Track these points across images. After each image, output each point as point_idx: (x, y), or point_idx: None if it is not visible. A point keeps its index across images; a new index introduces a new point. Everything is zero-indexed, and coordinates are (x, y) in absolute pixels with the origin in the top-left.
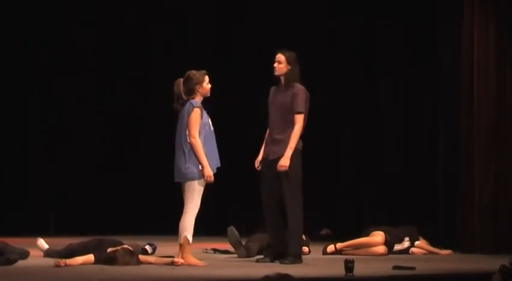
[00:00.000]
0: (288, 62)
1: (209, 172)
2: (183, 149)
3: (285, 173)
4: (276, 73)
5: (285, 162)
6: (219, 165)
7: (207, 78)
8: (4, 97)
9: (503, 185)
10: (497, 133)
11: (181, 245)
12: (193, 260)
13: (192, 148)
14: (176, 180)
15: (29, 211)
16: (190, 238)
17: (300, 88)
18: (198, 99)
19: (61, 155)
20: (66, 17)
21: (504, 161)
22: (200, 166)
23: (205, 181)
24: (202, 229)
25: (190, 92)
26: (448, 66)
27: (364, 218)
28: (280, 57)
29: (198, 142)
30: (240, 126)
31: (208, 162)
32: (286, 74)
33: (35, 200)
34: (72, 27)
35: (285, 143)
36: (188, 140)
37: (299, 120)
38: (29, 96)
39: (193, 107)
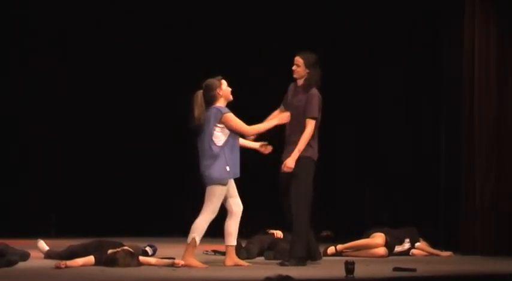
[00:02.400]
0: (307, 65)
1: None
2: (208, 154)
3: (294, 176)
4: (295, 76)
5: (290, 163)
6: (238, 175)
7: (224, 82)
8: (3, 97)
9: (504, 187)
10: (499, 134)
11: (187, 245)
12: (193, 262)
13: (257, 133)
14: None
15: (29, 212)
16: (198, 240)
17: (314, 94)
18: (222, 105)
19: (62, 156)
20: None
21: (506, 163)
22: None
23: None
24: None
25: (213, 99)
26: (449, 66)
27: (365, 220)
28: (298, 60)
29: (252, 128)
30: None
31: (230, 168)
32: (305, 78)
33: (36, 201)
34: (74, 25)
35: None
36: (220, 144)
37: (310, 124)
38: (29, 96)
39: (222, 113)
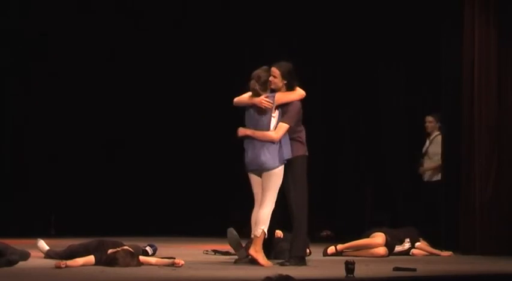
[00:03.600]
0: (283, 75)
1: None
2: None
3: (291, 176)
4: (273, 87)
5: (241, 130)
6: (290, 156)
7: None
8: (3, 97)
9: (504, 186)
10: (498, 134)
11: (255, 238)
12: (262, 258)
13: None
14: (255, 169)
15: (29, 212)
16: (266, 231)
17: (295, 103)
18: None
19: (62, 156)
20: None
21: (505, 162)
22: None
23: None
24: (202, 230)
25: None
26: (449, 67)
27: (365, 220)
28: (275, 71)
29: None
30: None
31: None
32: (282, 88)
33: (36, 201)
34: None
35: (293, 143)
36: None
37: (282, 129)
38: (28, 96)
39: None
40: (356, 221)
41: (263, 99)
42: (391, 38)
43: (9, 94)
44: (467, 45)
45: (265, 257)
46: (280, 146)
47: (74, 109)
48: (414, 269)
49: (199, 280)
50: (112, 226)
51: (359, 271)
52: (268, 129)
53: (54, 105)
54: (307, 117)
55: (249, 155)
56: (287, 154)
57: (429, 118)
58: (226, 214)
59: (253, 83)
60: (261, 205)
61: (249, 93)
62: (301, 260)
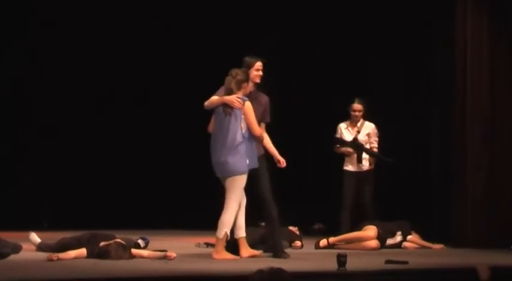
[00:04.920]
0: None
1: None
2: (230, 145)
3: (260, 176)
4: (258, 81)
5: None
6: (256, 167)
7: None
8: None
9: (496, 179)
10: (491, 127)
11: (217, 240)
12: (227, 255)
13: (258, 140)
14: (224, 175)
15: (21, 205)
16: (228, 233)
17: (267, 99)
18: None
19: (54, 149)
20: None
21: (497, 155)
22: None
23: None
24: (194, 222)
25: (237, 88)
26: (441, 60)
27: (358, 213)
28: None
29: (261, 131)
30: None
31: (248, 161)
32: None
33: (28, 194)
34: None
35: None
36: (245, 135)
37: (263, 129)
38: (21, 90)
39: (244, 101)
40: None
41: (236, 99)
42: (384, 33)
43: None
44: (460, 40)
45: (228, 253)
46: (246, 153)
47: (66, 102)
48: (406, 262)
49: (192, 273)
50: (104, 219)
51: (351, 263)
52: (236, 130)
53: (46, 98)
54: (303, 110)
55: (213, 160)
56: (253, 163)
57: (358, 106)
58: (218, 207)
59: (229, 80)
60: (224, 208)
61: (218, 95)
62: (281, 253)
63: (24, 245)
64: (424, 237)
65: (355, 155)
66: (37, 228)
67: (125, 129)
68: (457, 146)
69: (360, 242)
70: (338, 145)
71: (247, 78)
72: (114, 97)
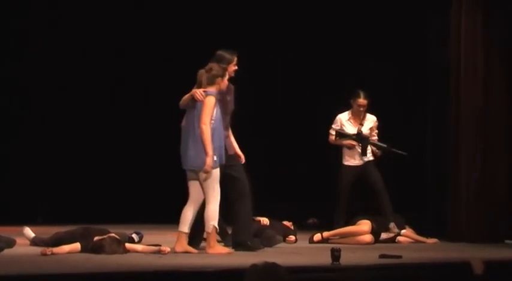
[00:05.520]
0: None
1: (210, 162)
2: (199, 138)
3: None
4: (233, 75)
5: None
6: (223, 162)
7: (226, 73)
8: None
9: (490, 175)
10: (485, 123)
11: (208, 234)
12: (220, 249)
13: (200, 135)
14: (190, 167)
15: (16, 199)
16: (216, 226)
17: (233, 87)
18: (214, 90)
19: (49, 144)
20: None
21: (491, 151)
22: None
23: (204, 170)
24: None
25: (210, 83)
26: (436, 56)
27: (352, 207)
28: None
29: (207, 129)
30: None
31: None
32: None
33: (22, 188)
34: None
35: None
36: (214, 129)
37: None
38: (13, 87)
39: (208, 95)
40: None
41: (199, 91)
42: (377, 29)
43: None
44: (455, 35)
45: (222, 247)
46: (214, 147)
47: (59, 97)
48: (400, 257)
49: (186, 267)
50: (98, 214)
51: (345, 258)
52: (198, 122)
53: (39, 94)
54: (292, 108)
55: (181, 153)
56: (221, 158)
57: (364, 101)
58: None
59: (201, 73)
60: (206, 201)
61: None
62: (245, 246)
63: (18, 240)
64: (418, 231)
65: (359, 148)
66: (31, 222)
67: (119, 124)
68: (452, 143)
69: (354, 237)
70: (338, 137)
71: (223, 74)
72: (106, 93)
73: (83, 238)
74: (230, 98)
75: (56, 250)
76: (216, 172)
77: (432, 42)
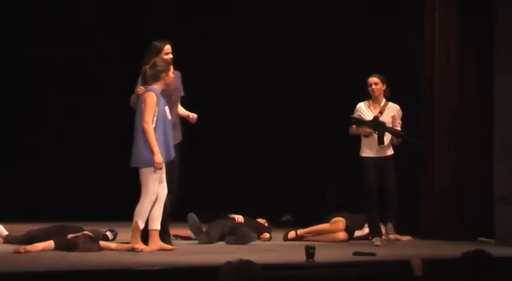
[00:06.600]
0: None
1: (159, 159)
2: (140, 136)
3: (177, 165)
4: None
5: None
6: (172, 158)
7: (170, 67)
8: None
9: (462, 173)
10: (458, 120)
11: (132, 230)
12: (139, 245)
13: (143, 134)
14: (132, 165)
15: None
16: (141, 225)
17: (179, 74)
18: (157, 87)
19: (21, 141)
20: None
21: (464, 150)
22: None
23: (154, 168)
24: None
25: (155, 79)
26: (409, 53)
27: (326, 205)
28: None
29: (150, 128)
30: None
31: (161, 153)
32: None
33: None
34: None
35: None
36: (157, 127)
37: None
38: None
39: (148, 91)
40: (316, 206)
41: (141, 88)
42: (349, 28)
43: None
44: (428, 33)
45: (143, 245)
46: (160, 145)
47: (32, 95)
48: (374, 254)
49: (160, 265)
50: (72, 211)
51: (319, 255)
52: (141, 120)
53: (7, 91)
54: (265, 104)
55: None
56: (168, 155)
57: (373, 79)
58: (186, 199)
59: (144, 69)
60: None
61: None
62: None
63: None
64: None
65: (375, 136)
66: (4, 220)
67: (92, 121)
68: (425, 140)
69: (328, 234)
70: (354, 126)
71: (167, 68)
72: (73, 91)
73: (57, 235)
74: (175, 86)
75: (30, 247)
76: (149, 171)
77: (404, 41)
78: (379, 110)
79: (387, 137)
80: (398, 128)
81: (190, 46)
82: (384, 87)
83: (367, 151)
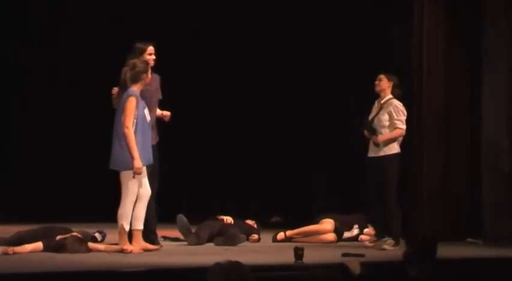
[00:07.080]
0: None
1: (138, 164)
2: (119, 139)
3: (155, 168)
4: (152, 65)
5: None
6: (151, 162)
7: (149, 68)
8: None
9: (452, 174)
10: (446, 122)
11: (118, 233)
12: (128, 246)
13: (124, 138)
14: (111, 168)
15: None
16: (126, 226)
17: (159, 77)
18: (136, 89)
19: (8, 142)
20: None
21: (451, 153)
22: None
23: (134, 173)
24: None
25: (135, 80)
26: (398, 56)
27: (315, 206)
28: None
29: (130, 133)
30: (191, 112)
31: (140, 155)
32: None
33: None
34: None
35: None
36: (137, 130)
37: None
38: None
39: (129, 95)
40: (305, 207)
41: (115, 89)
42: (340, 27)
43: None
44: (417, 36)
45: (131, 246)
46: (139, 148)
47: (20, 97)
48: (362, 255)
49: (149, 266)
50: (60, 212)
51: (308, 256)
52: (120, 122)
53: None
54: (255, 107)
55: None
56: (147, 159)
57: (380, 76)
58: (175, 200)
59: (124, 71)
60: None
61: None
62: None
63: None
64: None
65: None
66: None
67: (81, 122)
68: (413, 143)
69: (317, 236)
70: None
71: (146, 69)
72: (58, 90)
73: (45, 237)
74: (153, 88)
75: (18, 249)
76: (128, 175)
77: (395, 42)
78: (380, 106)
79: (382, 137)
80: (398, 126)
81: (186, 45)
82: (390, 85)
83: (369, 151)
